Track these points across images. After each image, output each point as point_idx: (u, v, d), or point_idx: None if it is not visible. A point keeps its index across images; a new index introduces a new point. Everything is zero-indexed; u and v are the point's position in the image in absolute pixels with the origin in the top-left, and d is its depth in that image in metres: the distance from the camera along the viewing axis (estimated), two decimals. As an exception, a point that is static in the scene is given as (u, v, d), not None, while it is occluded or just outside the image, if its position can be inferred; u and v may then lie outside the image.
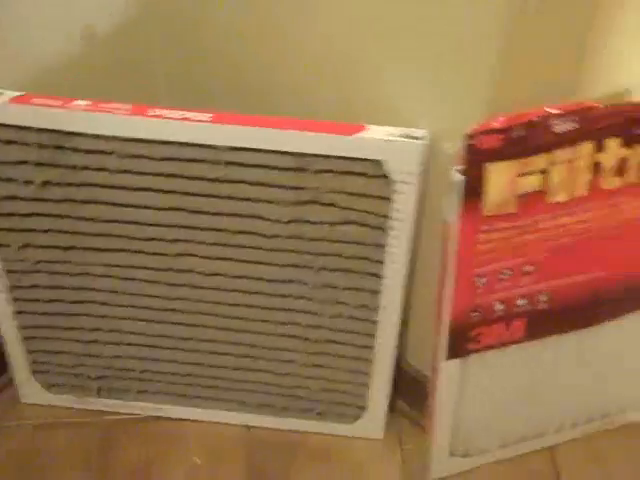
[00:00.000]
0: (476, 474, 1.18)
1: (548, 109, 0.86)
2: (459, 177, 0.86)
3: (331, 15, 0.91)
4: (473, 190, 0.87)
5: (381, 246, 0.98)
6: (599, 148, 0.88)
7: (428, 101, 0.89)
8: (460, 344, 1.01)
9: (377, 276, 1.01)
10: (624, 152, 0.89)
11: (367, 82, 0.92)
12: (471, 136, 0.83)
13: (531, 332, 1.03)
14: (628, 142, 0.89)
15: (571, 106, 0.86)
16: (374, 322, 1.06)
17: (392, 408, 1.22)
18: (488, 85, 0.85)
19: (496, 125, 0.83)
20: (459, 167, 0.86)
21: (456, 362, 1.03)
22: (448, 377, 1.04)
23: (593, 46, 0.92)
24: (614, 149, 0.89)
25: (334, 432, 1.20)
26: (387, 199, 0.94)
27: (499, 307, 0.98)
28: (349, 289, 1.03)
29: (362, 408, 1.17)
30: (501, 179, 0.86)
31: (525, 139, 0.85)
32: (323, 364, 1.12)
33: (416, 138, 0.89)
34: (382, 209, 0.95)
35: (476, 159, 0.85)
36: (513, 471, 1.18)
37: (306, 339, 1.10)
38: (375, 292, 1.03)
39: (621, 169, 0.91)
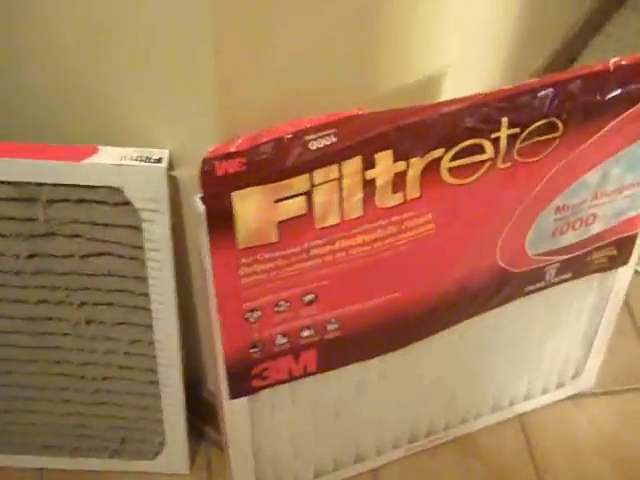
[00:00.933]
0: (291, 506, 1.07)
1: (301, 123, 0.73)
2: (203, 207, 0.73)
3: (53, 30, 0.76)
4: (221, 220, 0.74)
5: (142, 278, 0.85)
6: (369, 163, 0.76)
7: (168, 118, 0.75)
8: (243, 382, 0.89)
9: (145, 309, 0.88)
10: (399, 166, 0.77)
11: (104, 99, 0.78)
12: (206, 162, 0.70)
13: (324, 363, 0.91)
14: (402, 155, 0.77)
15: (328, 117, 0.74)
16: (153, 357, 0.93)
17: (202, 437, 1.10)
18: (224, 97, 0.71)
19: (234, 147, 0.70)
20: (201, 196, 0.72)
21: (243, 400, 0.91)
22: (236, 415, 0.93)
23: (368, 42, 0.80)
24: (386, 164, 0.76)
25: (136, 469, 1.10)
26: (137, 228, 0.80)
27: (282, 340, 0.87)
28: (118, 324, 0.91)
29: (161, 443, 1.04)
30: (253, 207, 0.74)
31: (275, 160, 0.72)
32: (106, 401, 1.00)
33: (155, 161, 0.75)
34: (133, 239, 0.82)
35: (218, 187, 0.72)
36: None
37: (82, 377, 0.97)
38: (147, 326, 0.90)
39: (399, 184, 0.78)
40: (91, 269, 0.85)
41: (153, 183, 0.76)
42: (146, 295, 0.87)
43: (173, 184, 0.79)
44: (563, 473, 1.11)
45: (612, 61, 0.82)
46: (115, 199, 0.78)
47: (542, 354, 1.09)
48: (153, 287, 0.85)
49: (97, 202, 0.79)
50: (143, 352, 0.93)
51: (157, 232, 0.80)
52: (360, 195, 0.78)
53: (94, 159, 0.75)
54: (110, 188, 0.77)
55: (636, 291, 1.28)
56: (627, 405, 1.17)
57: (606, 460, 1.12)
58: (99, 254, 0.83)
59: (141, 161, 0.75)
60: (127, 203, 0.78)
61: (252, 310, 0.83)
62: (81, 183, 0.76)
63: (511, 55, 1.20)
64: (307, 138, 0.73)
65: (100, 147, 0.76)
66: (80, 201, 0.78)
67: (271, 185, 0.73)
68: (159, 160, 0.75)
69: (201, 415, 1.07)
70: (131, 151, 0.76)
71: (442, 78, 0.92)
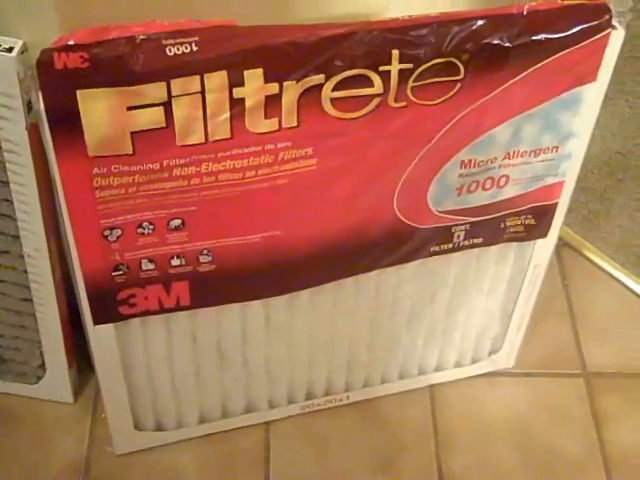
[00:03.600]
0: (171, 450, 1.03)
1: (159, 25, 0.67)
2: (43, 105, 0.67)
3: None
4: (68, 122, 0.69)
5: (3, 182, 0.80)
6: (236, 81, 0.70)
7: (23, 4, 0.70)
8: (108, 307, 0.84)
9: (10, 218, 0.83)
10: (270, 88, 0.71)
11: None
12: (44, 53, 0.64)
13: (199, 298, 0.86)
14: (274, 76, 0.70)
15: (190, 23, 0.67)
16: (24, 271, 0.88)
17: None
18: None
19: (74, 39, 0.64)
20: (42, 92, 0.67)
21: (109, 327, 0.86)
22: (102, 343, 0.88)
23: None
24: (256, 84, 0.70)
25: (20, 393, 1.06)
26: (-7, 125, 0.75)
27: (149, 266, 0.81)
28: (-16, 232, 0.85)
29: (41, 367, 1.00)
30: (101, 111, 0.68)
31: (124, 61, 0.66)
32: (-19, 316, 0.95)
33: (6, 50, 0.70)
34: (-10, 137, 0.76)
35: (58, 82, 0.66)
36: (216, 447, 1.04)
37: (-45, 286, 0.92)
38: (14, 237, 0.85)
39: (273, 109, 0.72)
40: (-50, 167, 0.80)
41: (3, 73, 0.70)
42: (9, 201, 0.81)
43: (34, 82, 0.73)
44: (463, 453, 1.05)
45: (527, 5, 0.75)
46: (-31, 89, 0.72)
47: (453, 323, 1.02)
48: (16, 194, 0.81)
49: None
50: (13, 265, 0.89)
51: (13, 132, 0.75)
52: (227, 115, 0.72)
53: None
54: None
55: (576, 276, 1.21)
56: (545, 390, 1.10)
57: (511, 445, 1.06)
58: (-41, 151, 0.78)
59: (-11, 49, 0.69)
60: (-16, 96, 0.73)
61: (111, 228, 0.77)
62: None
63: None
64: (164, 42, 0.67)
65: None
66: None
67: (121, 89, 0.68)
68: (10, 49, 0.70)
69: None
70: (-18, 37, 0.70)
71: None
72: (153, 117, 0.70)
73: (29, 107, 0.73)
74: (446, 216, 0.87)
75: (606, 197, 1.16)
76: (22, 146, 0.76)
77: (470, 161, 0.83)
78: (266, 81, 0.70)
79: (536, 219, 0.91)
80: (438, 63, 0.73)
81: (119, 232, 0.78)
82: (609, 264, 1.21)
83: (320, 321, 0.95)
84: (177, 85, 0.69)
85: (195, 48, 0.67)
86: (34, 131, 0.75)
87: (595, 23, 0.75)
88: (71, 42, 0.64)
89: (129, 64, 0.67)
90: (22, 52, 0.70)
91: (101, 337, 0.87)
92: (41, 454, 1.02)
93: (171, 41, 0.67)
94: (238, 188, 0.77)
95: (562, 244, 1.23)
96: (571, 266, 1.22)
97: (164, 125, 0.71)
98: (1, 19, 0.72)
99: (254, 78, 0.70)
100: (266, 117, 0.73)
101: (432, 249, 0.91)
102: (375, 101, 0.74)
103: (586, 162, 0.89)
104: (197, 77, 0.69)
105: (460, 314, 1.01)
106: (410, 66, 0.73)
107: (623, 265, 1.19)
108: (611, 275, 1.21)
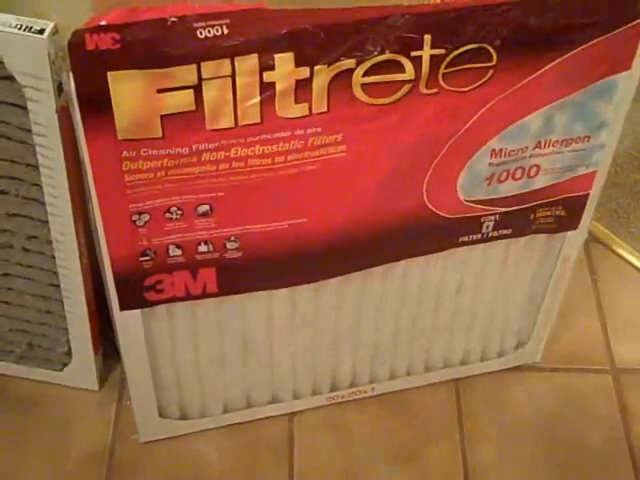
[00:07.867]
0: (195, 438, 1.03)
1: (190, 7, 0.66)
2: (73, 85, 0.67)
3: None
4: (97, 105, 0.68)
5: (33, 166, 0.80)
6: (267, 64, 0.69)
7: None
8: (135, 293, 0.84)
9: (39, 202, 0.83)
10: (301, 72, 0.70)
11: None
12: (76, 33, 0.64)
13: (226, 285, 0.85)
14: (305, 60, 0.70)
15: (222, 6, 0.67)
16: (52, 257, 0.88)
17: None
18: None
19: (106, 20, 0.64)
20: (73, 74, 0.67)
21: (136, 313, 0.85)
22: (129, 329, 0.88)
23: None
24: (287, 67, 0.70)
25: (45, 379, 1.06)
26: (24, 108, 0.75)
27: (176, 252, 0.81)
28: (13, 215, 0.86)
29: (67, 354, 1.00)
30: (132, 93, 0.68)
31: (155, 43, 0.66)
32: (8, 300, 0.95)
33: (37, 32, 0.69)
34: (21, 120, 0.76)
35: (89, 63, 0.66)
36: (240, 437, 1.03)
37: (-18, 271, 0.92)
38: (43, 222, 0.85)
39: (303, 94, 0.72)
40: (-21, 150, 0.80)
41: (34, 55, 0.70)
42: (39, 186, 0.81)
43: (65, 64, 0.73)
44: (488, 447, 1.04)
45: (563, -9, 0.74)
46: (-1, 72, 0.73)
47: (479, 316, 1.01)
48: (45, 177, 0.81)
49: (-19, 73, 0.73)
50: (41, 250, 0.89)
51: (44, 115, 0.75)
52: (257, 99, 0.71)
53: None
54: (-9, 58, 0.72)
55: (605, 271, 1.20)
56: (571, 385, 1.09)
57: (536, 441, 1.05)
58: (-13, 134, 0.78)
59: (21, 30, 0.69)
60: (11, 78, 0.73)
61: (139, 213, 0.77)
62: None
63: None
64: (195, 25, 0.67)
65: (-17, 12, 0.71)
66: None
67: (151, 71, 0.67)
68: (41, 31, 0.69)
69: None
70: (12, 19, 0.70)
71: None
72: (183, 100, 0.70)
73: (59, 89, 0.73)
74: (475, 206, 0.87)
75: (636, 191, 1.15)
76: (52, 129, 0.75)
77: (501, 150, 0.82)
78: (297, 65, 0.70)
79: (567, 210, 0.90)
80: (470, 49, 0.73)
81: (147, 217, 0.78)
82: (638, 259, 1.19)
83: (346, 311, 0.94)
84: (208, 68, 0.68)
85: (226, 31, 0.67)
86: (64, 114, 0.75)
87: (630, 10, 0.74)
88: (103, 23, 0.64)
89: (160, 46, 0.66)
90: (53, 34, 0.70)
91: (127, 323, 0.87)
92: (65, 441, 1.02)
93: (202, 24, 0.67)
94: (267, 174, 0.76)
95: (591, 239, 1.22)
96: (600, 261, 1.21)
97: (194, 108, 0.70)
98: (33, 1, 0.72)
99: (285, 62, 0.69)
100: (296, 102, 0.72)
101: (461, 239, 0.90)
102: (406, 87, 0.74)
103: (616, 156, 0.88)
104: (228, 60, 0.68)
105: (487, 306, 1.00)
106: (442, 52, 0.72)
107: (653, 261, 1.18)
108: (640, 270, 1.20)
